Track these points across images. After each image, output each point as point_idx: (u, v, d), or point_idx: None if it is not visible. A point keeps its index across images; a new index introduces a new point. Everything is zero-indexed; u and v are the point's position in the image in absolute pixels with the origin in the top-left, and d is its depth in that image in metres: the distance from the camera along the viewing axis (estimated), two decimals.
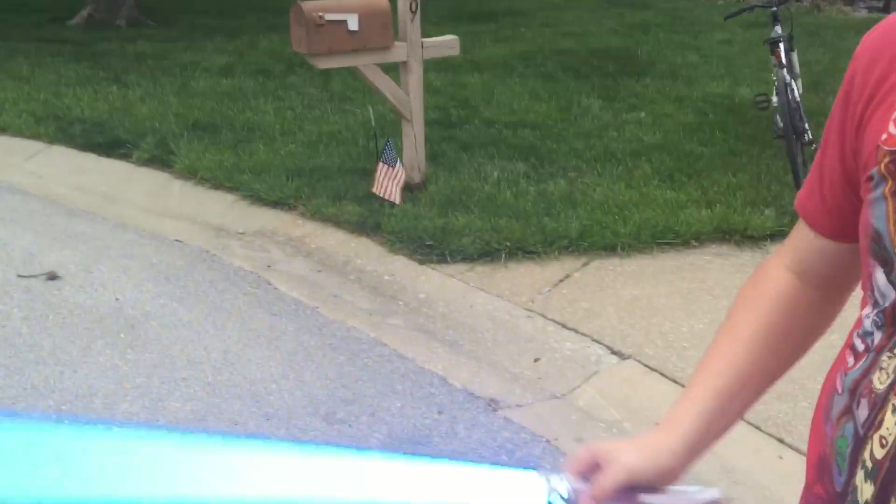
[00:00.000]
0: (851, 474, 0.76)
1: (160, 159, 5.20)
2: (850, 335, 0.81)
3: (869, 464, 0.74)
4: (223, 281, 3.84)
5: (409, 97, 4.47)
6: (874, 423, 0.74)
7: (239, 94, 6.72)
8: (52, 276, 3.71)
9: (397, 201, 4.31)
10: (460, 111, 6.13)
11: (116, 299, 3.56)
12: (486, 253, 3.94)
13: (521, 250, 3.95)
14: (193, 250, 4.18)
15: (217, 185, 4.86)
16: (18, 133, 5.70)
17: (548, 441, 2.72)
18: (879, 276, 0.75)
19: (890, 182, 0.73)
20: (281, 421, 2.75)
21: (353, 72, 5.01)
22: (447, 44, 4.70)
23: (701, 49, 8.58)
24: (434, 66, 7.01)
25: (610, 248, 3.99)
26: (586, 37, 9.51)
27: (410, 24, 4.35)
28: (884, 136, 0.74)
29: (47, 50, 8.24)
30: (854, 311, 0.85)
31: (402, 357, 3.23)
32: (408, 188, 4.47)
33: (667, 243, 4.01)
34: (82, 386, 2.88)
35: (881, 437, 0.73)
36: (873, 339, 0.77)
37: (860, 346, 0.79)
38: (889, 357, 0.74)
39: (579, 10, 12.01)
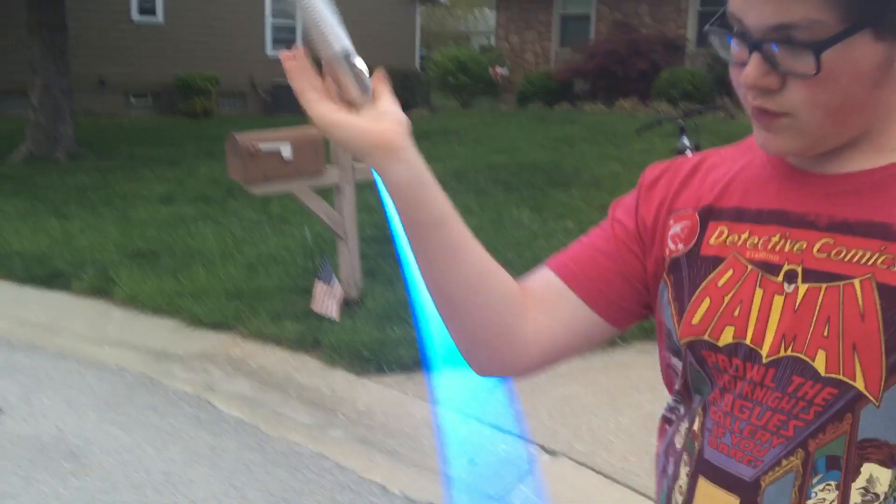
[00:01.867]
0: None
1: (100, 289, 5.29)
2: (664, 413, 1.00)
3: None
4: (164, 404, 3.90)
5: (343, 217, 4.70)
6: (677, 475, 0.92)
7: (179, 220, 6.89)
8: None
9: (335, 317, 4.47)
10: None
11: (58, 428, 3.60)
12: (421, 363, 4.09)
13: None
14: (135, 376, 4.24)
15: (157, 310, 4.96)
16: None
17: None
18: (676, 363, 0.94)
19: (670, 289, 0.93)
20: None
21: (287, 198, 5.22)
22: None
23: (623, 159, 9.10)
24: (370, 186, 7.30)
25: None
26: (515, 152, 10.01)
27: (341, 150, 4.62)
28: (666, 251, 0.94)
29: None
30: None
31: (343, 468, 3.32)
32: (346, 304, 4.64)
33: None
34: None
35: (679, 486, 0.91)
36: (679, 411, 0.96)
37: (671, 418, 0.97)
38: (686, 424, 0.93)
39: (509, 126, 12.63)
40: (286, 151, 4.29)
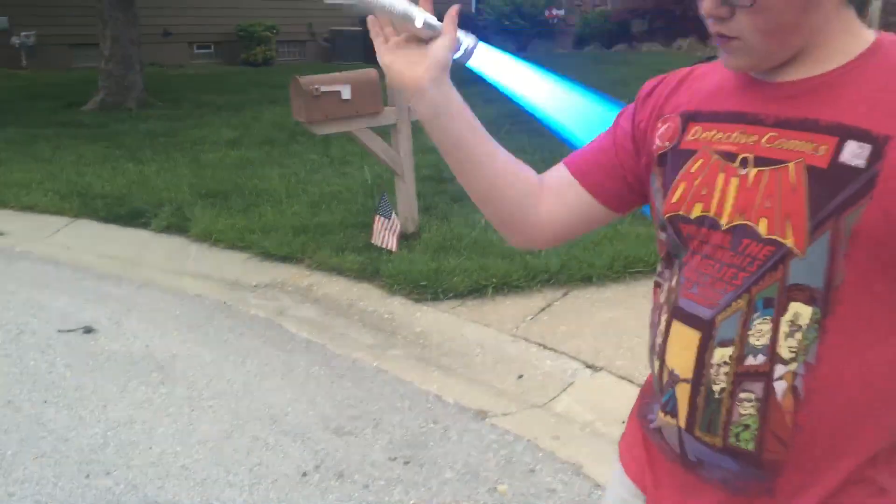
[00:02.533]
0: (660, 362, 1.19)
1: (177, 226, 5.69)
2: (655, 279, 1.24)
3: (657, 349, 1.17)
4: (240, 327, 4.28)
5: (401, 156, 4.97)
6: (658, 322, 1.18)
7: (246, 163, 7.26)
8: (88, 330, 4.16)
9: (394, 249, 4.77)
10: None
11: (146, 346, 4.00)
12: (475, 289, 4.38)
13: (507, 285, 4.39)
14: (212, 303, 4.63)
15: (230, 245, 5.33)
16: (45, 210, 6.21)
17: (528, 440, 3.12)
18: (662, 236, 1.19)
19: (659, 177, 1.18)
20: (297, 435, 3.16)
21: (349, 136, 5.50)
22: None
23: None
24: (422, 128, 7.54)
25: (587, 279, 4.43)
26: None
27: (397, 91, 4.87)
28: (654, 147, 1.19)
29: (66, 133, 8.84)
30: None
31: (402, 381, 3.64)
32: (403, 237, 4.93)
33: (638, 271, 4.45)
34: (123, 416, 3.30)
35: (660, 331, 1.16)
36: (665, 275, 1.20)
37: (660, 281, 1.22)
38: (668, 284, 1.17)
39: (564, 69, 12.62)
40: (346, 93, 4.57)
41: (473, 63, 1.24)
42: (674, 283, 1.15)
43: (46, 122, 9.50)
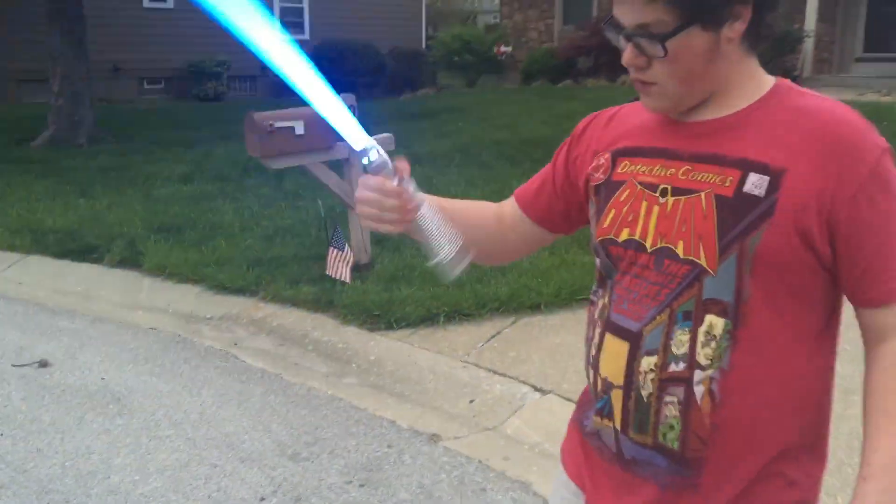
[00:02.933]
0: (594, 372, 1.33)
1: (130, 260, 5.72)
2: (590, 297, 1.39)
3: (592, 361, 1.31)
4: (195, 358, 4.33)
5: (353, 188, 5.10)
6: (593, 337, 1.32)
7: (200, 197, 7.31)
8: (43, 364, 4.18)
9: (347, 280, 4.88)
10: None
11: (102, 379, 4.03)
12: (427, 318, 4.50)
13: (458, 313, 4.53)
14: (167, 336, 4.68)
15: (184, 279, 5.38)
16: None
17: (480, 461, 3.23)
18: (595, 257, 1.34)
19: (594, 206, 1.34)
20: (254, 462, 3.23)
21: (303, 171, 5.60)
22: (384, 140, 5.36)
23: None
24: None
25: (535, 307, 4.59)
26: (518, 128, 10.36)
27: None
28: (592, 180, 1.35)
29: (15, 169, 8.79)
30: None
31: (356, 407, 3.74)
32: (356, 269, 5.05)
33: (584, 298, 4.61)
34: (81, 447, 3.34)
35: (594, 343, 1.31)
36: (598, 293, 1.35)
37: (594, 300, 1.36)
38: (602, 301, 1.32)
39: (512, 104, 12.96)
40: (299, 128, 4.69)
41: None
42: (606, 300, 1.30)
43: None
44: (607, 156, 1.33)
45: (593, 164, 1.35)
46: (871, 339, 1.19)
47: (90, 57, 11.14)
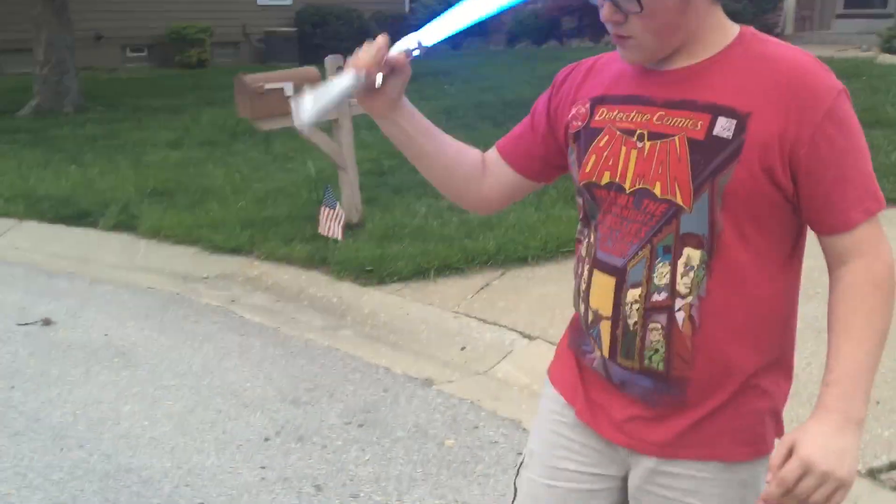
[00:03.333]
0: (585, 305, 1.44)
1: (125, 224, 5.82)
2: (576, 235, 1.50)
3: (582, 294, 1.43)
4: (195, 314, 4.47)
5: (343, 150, 5.22)
6: (581, 272, 1.44)
7: (189, 162, 7.40)
8: (47, 322, 4.31)
9: (340, 238, 5.02)
10: (390, 161, 6.88)
11: (105, 335, 4.17)
12: (418, 273, 4.65)
13: (448, 268, 4.68)
14: (165, 294, 4.81)
15: (179, 240, 5.50)
16: None
17: (472, 402, 3.41)
18: (580, 200, 1.46)
19: (575, 152, 1.44)
20: (256, 407, 3.39)
21: (292, 134, 5.71)
22: None
23: None
24: (365, 125, 7.78)
25: (522, 260, 4.75)
26: (502, 90, 10.44)
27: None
28: (571, 127, 1.45)
29: (3, 139, 8.82)
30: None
31: (352, 357, 3.90)
32: (348, 227, 5.18)
33: (569, 251, 4.76)
34: (90, 397, 3.48)
35: (583, 279, 1.43)
36: (584, 233, 1.46)
37: (580, 238, 1.48)
38: (587, 240, 1.44)
39: (496, 66, 13.03)
40: (288, 89, 4.79)
41: (429, 43, 1.46)
42: (592, 239, 1.41)
43: None
44: (586, 104, 1.43)
45: (572, 112, 1.44)
46: (832, 264, 1.32)
47: (73, 25, 11.10)
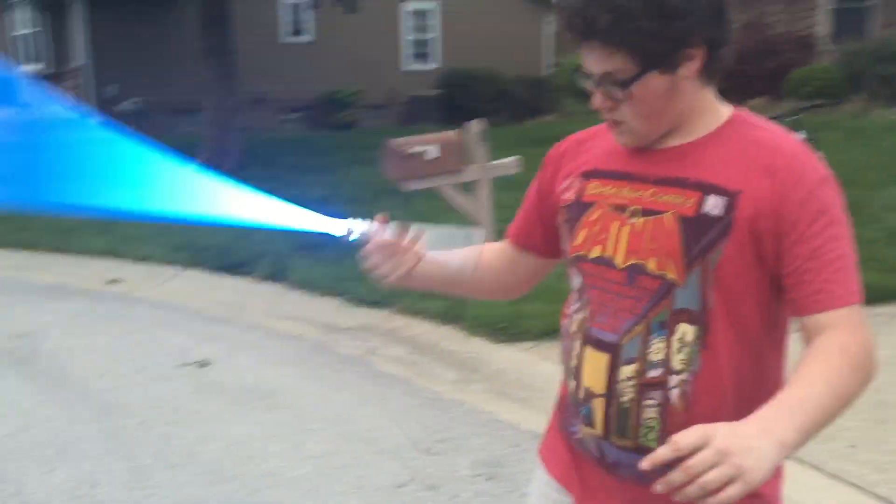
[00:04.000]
0: (576, 382, 1.43)
1: (277, 275, 6.24)
2: (563, 310, 1.48)
3: (573, 371, 1.41)
4: (336, 363, 4.73)
5: (480, 209, 5.42)
6: (572, 349, 1.42)
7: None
8: (204, 364, 4.68)
9: None
10: None
11: (255, 378, 4.49)
12: (550, 332, 4.73)
13: None
14: (309, 343, 5.11)
15: (324, 292, 5.84)
16: (159, 261, 6.86)
17: None
18: (570, 273, 1.44)
19: (566, 225, 1.44)
20: (391, 454, 3.56)
21: (432, 194, 5.96)
22: (510, 164, 5.67)
23: None
24: (503, 186, 8.00)
25: None
26: None
27: (478, 151, 5.35)
28: (562, 200, 1.46)
29: None
30: None
31: (482, 411, 4.02)
32: None
33: None
34: (239, 435, 3.76)
35: (574, 356, 1.40)
36: (573, 307, 1.43)
37: (567, 313, 1.47)
38: (577, 316, 1.42)
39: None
40: (432, 152, 5.06)
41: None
42: (583, 315, 1.40)
43: None
44: (578, 177, 1.45)
45: (564, 185, 1.47)
46: (807, 340, 1.28)
47: (237, 89, 12.03)
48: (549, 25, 20.58)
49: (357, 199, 8.73)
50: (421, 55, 19.30)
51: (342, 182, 9.81)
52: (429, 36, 19.35)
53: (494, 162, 5.54)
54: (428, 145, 5.08)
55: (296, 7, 17.27)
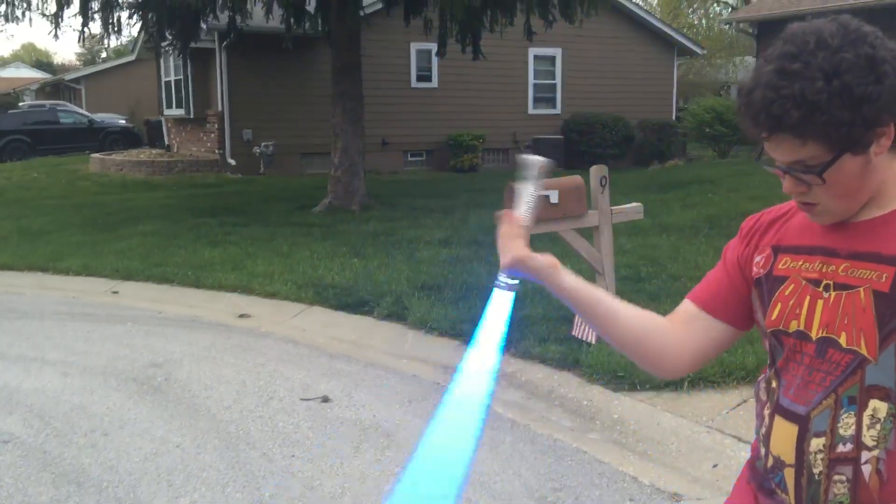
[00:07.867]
0: (766, 448, 1.44)
1: (396, 314, 6.34)
2: (759, 383, 1.51)
3: (763, 437, 1.43)
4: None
5: (602, 255, 5.36)
6: (763, 415, 1.45)
7: (457, 260, 7.92)
8: (325, 399, 4.80)
9: (593, 341, 5.11)
10: (649, 268, 6.92)
11: (374, 416, 4.56)
12: (671, 383, 4.61)
13: (703, 380, 4.59)
14: (427, 382, 5.16)
15: (443, 333, 5.89)
16: (286, 297, 7.11)
17: None
18: (765, 344, 1.48)
19: (757, 298, 1.47)
20: (505, 500, 3.53)
21: (554, 238, 5.94)
22: (633, 210, 5.60)
23: None
24: (625, 231, 7.89)
25: None
26: (771, 198, 10.03)
27: (601, 196, 5.31)
28: (753, 273, 1.49)
29: (299, 232, 9.99)
30: None
31: (600, 461, 3.93)
32: None
33: None
34: (357, 472, 3.82)
35: (765, 423, 1.43)
36: (767, 376, 1.48)
37: (762, 380, 1.49)
38: (767, 384, 1.46)
39: (765, 175, 12.58)
40: (554, 197, 5.06)
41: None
42: (775, 384, 1.44)
43: (283, 222, 10.77)
44: (769, 251, 1.47)
45: (756, 259, 1.50)
46: None
47: (364, 133, 12.43)
48: (680, 69, 20.31)
49: (476, 241, 8.81)
50: (545, 100, 19.40)
51: (462, 224, 9.92)
52: (553, 81, 19.44)
53: (617, 207, 5.48)
54: (550, 189, 5.08)
55: (423, 53, 17.74)
